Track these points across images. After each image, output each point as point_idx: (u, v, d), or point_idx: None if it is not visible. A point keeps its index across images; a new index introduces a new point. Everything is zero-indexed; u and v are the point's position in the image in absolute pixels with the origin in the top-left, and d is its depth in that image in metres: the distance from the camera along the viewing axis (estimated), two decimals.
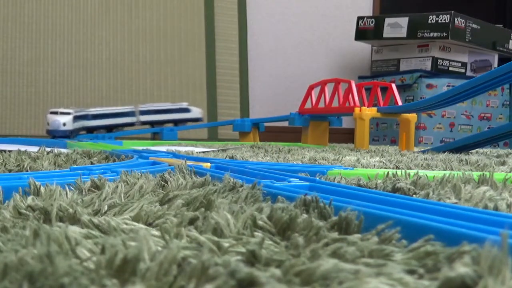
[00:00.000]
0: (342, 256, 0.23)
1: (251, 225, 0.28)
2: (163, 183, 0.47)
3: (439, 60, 2.56)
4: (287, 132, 2.60)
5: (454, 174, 0.55)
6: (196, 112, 2.20)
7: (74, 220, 0.30)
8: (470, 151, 1.48)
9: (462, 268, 0.19)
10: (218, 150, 1.25)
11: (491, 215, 0.30)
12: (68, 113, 1.90)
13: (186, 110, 2.17)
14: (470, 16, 2.56)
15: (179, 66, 2.60)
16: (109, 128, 2.08)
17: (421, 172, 0.57)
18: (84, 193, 0.42)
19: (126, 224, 0.29)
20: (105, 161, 0.79)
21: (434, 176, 0.56)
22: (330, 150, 1.37)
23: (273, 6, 2.85)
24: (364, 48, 2.96)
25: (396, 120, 2.06)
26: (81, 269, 0.19)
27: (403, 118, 1.68)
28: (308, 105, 1.92)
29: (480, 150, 1.64)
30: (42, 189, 0.39)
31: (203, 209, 0.32)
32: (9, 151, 0.88)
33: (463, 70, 2.65)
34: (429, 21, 2.51)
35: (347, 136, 2.83)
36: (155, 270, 0.19)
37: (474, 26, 2.57)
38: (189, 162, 0.62)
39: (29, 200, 0.34)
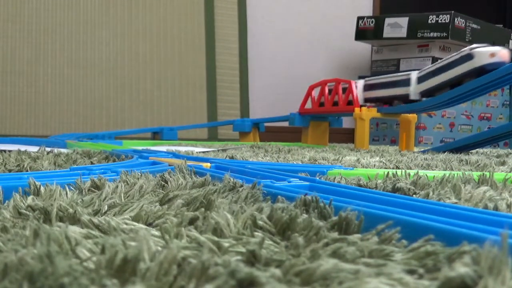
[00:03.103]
0: (342, 256, 0.23)
1: (251, 225, 0.28)
2: (163, 183, 0.47)
3: (439, 60, 2.56)
4: (287, 132, 2.60)
5: (454, 174, 0.55)
6: (483, 56, 1.36)
7: (74, 220, 0.30)
8: (470, 151, 1.48)
9: (462, 268, 0.19)
10: (218, 150, 1.25)
11: (491, 215, 0.30)
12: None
13: (468, 58, 1.38)
14: (470, 16, 2.56)
15: (179, 66, 2.60)
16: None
17: (421, 172, 0.57)
18: (84, 193, 0.42)
19: (126, 224, 0.29)
20: (105, 161, 0.79)
21: (434, 176, 0.56)
22: (330, 150, 1.37)
23: (273, 6, 2.85)
24: (364, 48, 2.96)
25: (396, 120, 2.06)
26: (81, 269, 0.19)
27: (403, 118, 1.68)
28: (308, 105, 1.92)
29: (480, 150, 1.64)
30: (42, 189, 0.39)
31: (203, 209, 0.32)
32: (9, 151, 0.88)
33: None
34: (429, 21, 2.51)
35: (347, 136, 2.83)
36: (155, 270, 0.19)
37: (474, 26, 2.57)
38: (189, 162, 0.62)
39: (29, 200, 0.34)
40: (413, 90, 1.56)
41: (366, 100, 1.75)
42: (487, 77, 1.27)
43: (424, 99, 1.54)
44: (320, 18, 2.94)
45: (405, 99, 1.59)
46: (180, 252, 0.22)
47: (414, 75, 1.57)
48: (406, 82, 1.58)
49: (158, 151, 0.96)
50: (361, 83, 1.77)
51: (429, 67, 1.53)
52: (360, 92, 1.75)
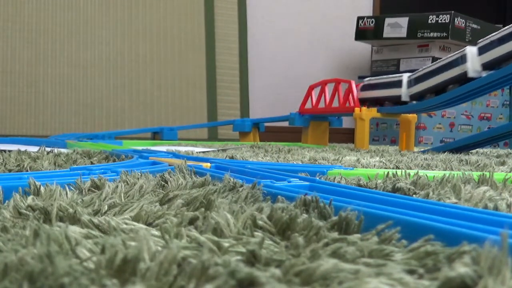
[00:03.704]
0: (342, 256, 0.23)
1: (251, 225, 0.28)
2: (163, 183, 0.47)
3: (438, 60, 2.56)
4: (287, 132, 2.60)
5: (454, 174, 0.55)
6: None
7: (74, 220, 0.30)
8: (470, 151, 1.48)
9: (462, 268, 0.19)
10: (218, 150, 1.25)
11: (491, 215, 0.30)
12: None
13: None
14: (470, 16, 2.56)
15: (179, 66, 2.60)
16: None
17: (421, 172, 0.57)
18: (84, 193, 0.42)
19: (126, 224, 0.29)
20: (105, 161, 0.79)
21: (434, 176, 0.56)
22: (330, 150, 1.37)
23: (273, 6, 2.85)
24: (364, 48, 2.96)
25: (396, 120, 2.06)
26: (81, 269, 0.19)
27: (403, 118, 1.68)
28: (308, 105, 1.92)
29: (480, 150, 1.64)
30: (42, 189, 0.39)
31: (203, 209, 0.32)
32: (9, 151, 0.88)
33: None
34: (429, 21, 2.51)
35: (347, 136, 2.83)
36: (155, 270, 0.19)
37: (474, 26, 2.57)
38: (189, 162, 0.62)
39: (29, 200, 0.34)
40: (472, 65, 1.34)
41: (413, 96, 1.57)
42: (488, 77, 1.26)
43: (484, 73, 1.32)
44: (320, 18, 2.94)
45: (462, 78, 1.37)
46: (180, 252, 0.22)
47: (471, 49, 1.36)
48: (463, 59, 1.36)
49: (158, 151, 0.96)
50: (405, 79, 1.60)
51: (494, 34, 1.31)
52: (405, 89, 1.58)
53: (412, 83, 1.57)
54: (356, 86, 1.77)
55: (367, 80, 1.73)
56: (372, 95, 1.69)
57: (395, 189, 0.47)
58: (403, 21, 2.58)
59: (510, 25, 1.28)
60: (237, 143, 1.88)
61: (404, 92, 1.59)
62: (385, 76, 1.68)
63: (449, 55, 1.43)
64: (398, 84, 1.61)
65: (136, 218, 0.31)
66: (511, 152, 1.58)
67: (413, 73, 1.59)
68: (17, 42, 2.38)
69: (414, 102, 1.58)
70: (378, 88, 1.68)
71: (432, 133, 2.55)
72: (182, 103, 2.60)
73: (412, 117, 1.68)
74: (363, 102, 1.73)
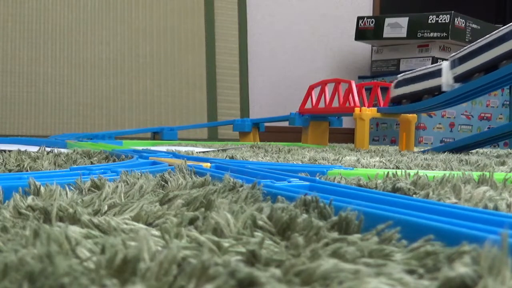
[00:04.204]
0: (342, 256, 0.23)
1: (251, 225, 0.28)
2: (163, 183, 0.47)
3: (439, 60, 2.56)
4: (287, 132, 2.60)
5: (454, 174, 0.55)
6: None
7: (74, 220, 0.30)
8: (470, 151, 1.48)
9: (462, 268, 0.19)
10: (218, 150, 1.25)
11: (491, 215, 0.30)
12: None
13: None
14: (470, 16, 2.56)
15: (179, 66, 2.60)
16: None
17: (421, 172, 0.57)
18: (84, 193, 0.42)
19: (126, 224, 0.29)
20: (105, 161, 0.79)
21: (434, 176, 0.56)
22: (330, 150, 1.37)
23: (273, 6, 2.85)
24: (364, 48, 2.96)
25: (396, 120, 2.06)
26: (81, 269, 0.19)
27: (403, 118, 1.68)
28: (308, 105, 1.92)
29: (480, 150, 1.64)
30: (42, 189, 0.39)
31: (203, 209, 0.32)
32: (9, 151, 0.88)
33: None
34: (429, 21, 2.51)
35: (347, 136, 2.83)
36: (155, 270, 0.19)
37: (474, 26, 2.57)
38: (189, 162, 0.62)
39: (29, 200, 0.34)
40: None
41: (458, 78, 1.38)
42: (488, 77, 1.26)
43: None
44: (320, 18, 2.94)
45: (509, 55, 1.22)
46: (180, 252, 0.22)
47: None
48: (509, 35, 1.20)
49: (158, 151, 0.96)
50: (444, 67, 1.43)
51: None
52: (445, 78, 1.42)
53: (456, 63, 1.40)
54: (387, 84, 1.68)
55: (401, 76, 1.62)
56: (409, 90, 1.56)
57: (395, 189, 0.47)
58: (403, 21, 2.58)
59: None
60: (237, 143, 1.88)
61: (444, 81, 1.43)
62: (422, 68, 1.56)
63: (499, 29, 1.26)
64: (437, 73, 1.45)
65: (136, 218, 0.31)
66: (511, 152, 1.58)
67: (456, 52, 1.42)
68: (17, 42, 2.38)
69: (457, 85, 1.41)
70: (415, 82, 1.55)
71: (432, 133, 2.55)
72: (182, 103, 2.60)
73: (412, 117, 1.68)
74: (398, 100, 1.60)
